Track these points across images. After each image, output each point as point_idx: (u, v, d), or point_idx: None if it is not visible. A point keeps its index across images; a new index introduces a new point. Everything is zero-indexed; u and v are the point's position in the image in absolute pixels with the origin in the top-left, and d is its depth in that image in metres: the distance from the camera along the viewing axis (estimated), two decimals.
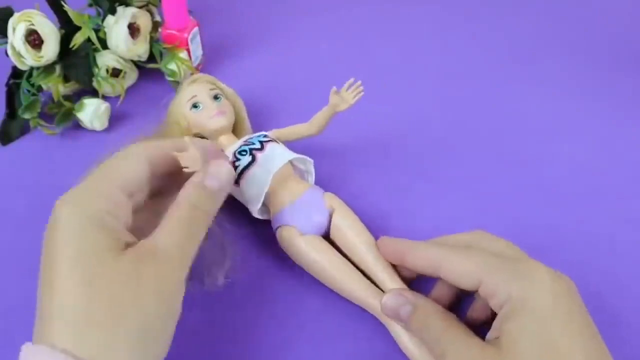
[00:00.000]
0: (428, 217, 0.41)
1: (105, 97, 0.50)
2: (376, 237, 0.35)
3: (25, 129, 0.48)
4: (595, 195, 0.43)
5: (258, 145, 0.38)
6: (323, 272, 0.35)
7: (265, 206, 0.39)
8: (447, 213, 0.42)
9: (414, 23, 0.66)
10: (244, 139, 0.40)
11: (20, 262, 0.38)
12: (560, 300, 0.25)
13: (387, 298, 0.30)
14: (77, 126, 0.48)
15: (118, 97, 0.51)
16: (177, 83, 0.53)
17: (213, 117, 0.40)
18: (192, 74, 0.54)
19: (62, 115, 0.47)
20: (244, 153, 0.38)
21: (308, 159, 0.39)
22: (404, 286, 0.33)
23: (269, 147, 0.38)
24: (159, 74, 0.53)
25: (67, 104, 0.47)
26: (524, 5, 0.70)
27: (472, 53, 0.60)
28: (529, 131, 0.50)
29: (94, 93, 0.50)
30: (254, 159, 0.37)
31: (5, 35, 0.46)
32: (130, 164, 0.27)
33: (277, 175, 0.37)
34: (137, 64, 0.53)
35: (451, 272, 0.29)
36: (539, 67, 0.58)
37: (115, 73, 0.51)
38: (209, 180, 0.28)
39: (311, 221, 0.36)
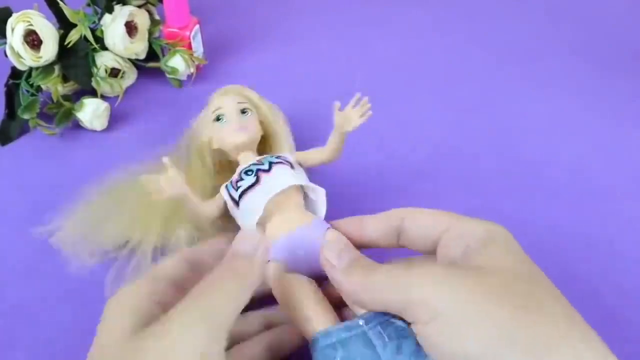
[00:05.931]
0: None
1: (104, 97, 0.50)
2: None
3: (24, 129, 0.48)
4: (595, 195, 0.43)
5: (266, 167, 0.34)
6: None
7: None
8: None
9: (414, 23, 0.65)
10: (258, 157, 0.36)
11: (20, 262, 0.38)
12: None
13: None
14: (77, 126, 0.48)
15: (117, 97, 0.51)
16: (178, 81, 0.53)
17: (233, 132, 0.37)
18: (197, 65, 0.54)
19: (61, 115, 0.47)
20: (249, 173, 0.34)
21: (318, 188, 0.34)
22: None
23: (276, 169, 0.34)
24: (158, 74, 0.53)
25: (66, 104, 0.47)
26: (524, 5, 0.70)
27: (473, 53, 0.60)
28: (529, 131, 0.49)
29: (94, 93, 0.50)
30: (257, 181, 0.33)
31: (4, 36, 0.46)
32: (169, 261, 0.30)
33: (276, 201, 0.32)
34: (136, 64, 0.53)
35: (416, 224, 0.29)
36: (539, 67, 0.58)
37: (114, 73, 0.51)
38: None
39: (303, 259, 0.31)
